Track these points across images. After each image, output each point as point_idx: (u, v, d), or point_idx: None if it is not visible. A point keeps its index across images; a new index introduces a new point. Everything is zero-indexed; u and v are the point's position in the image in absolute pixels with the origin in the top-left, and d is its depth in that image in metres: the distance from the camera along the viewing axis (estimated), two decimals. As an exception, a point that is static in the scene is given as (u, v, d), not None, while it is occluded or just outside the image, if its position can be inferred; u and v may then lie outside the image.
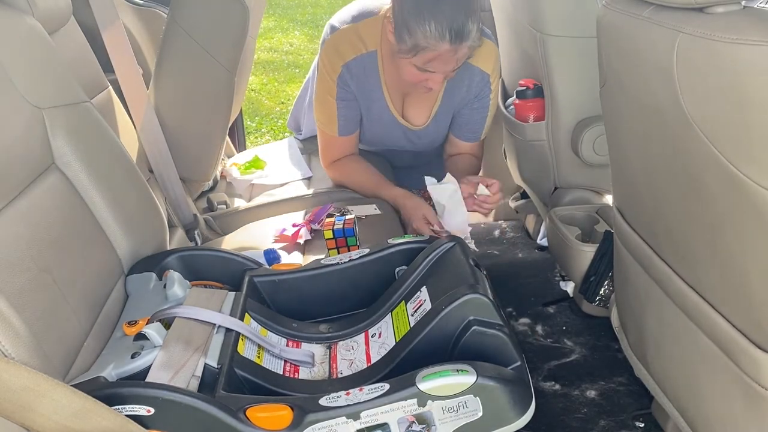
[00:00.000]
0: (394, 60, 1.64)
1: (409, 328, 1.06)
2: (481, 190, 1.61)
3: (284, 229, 1.61)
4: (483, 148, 1.93)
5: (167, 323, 1.02)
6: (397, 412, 0.89)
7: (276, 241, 1.59)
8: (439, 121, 1.83)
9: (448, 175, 1.59)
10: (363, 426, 0.89)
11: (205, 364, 0.96)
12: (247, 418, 0.87)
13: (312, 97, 2.15)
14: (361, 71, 1.72)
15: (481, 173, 2.27)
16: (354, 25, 1.71)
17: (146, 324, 1.01)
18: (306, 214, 1.68)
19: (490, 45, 1.74)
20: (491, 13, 2.05)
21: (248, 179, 2.18)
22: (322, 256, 1.34)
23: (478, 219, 2.54)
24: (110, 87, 1.83)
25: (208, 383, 0.94)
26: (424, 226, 1.59)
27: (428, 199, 2.10)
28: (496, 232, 2.35)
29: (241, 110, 2.70)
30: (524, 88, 1.79)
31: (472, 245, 1.62)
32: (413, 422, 0.90)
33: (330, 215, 1.59)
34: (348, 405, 0.89)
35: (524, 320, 1.85)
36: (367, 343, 1.12)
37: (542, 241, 2.17)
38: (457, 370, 0.91)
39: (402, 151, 1.95)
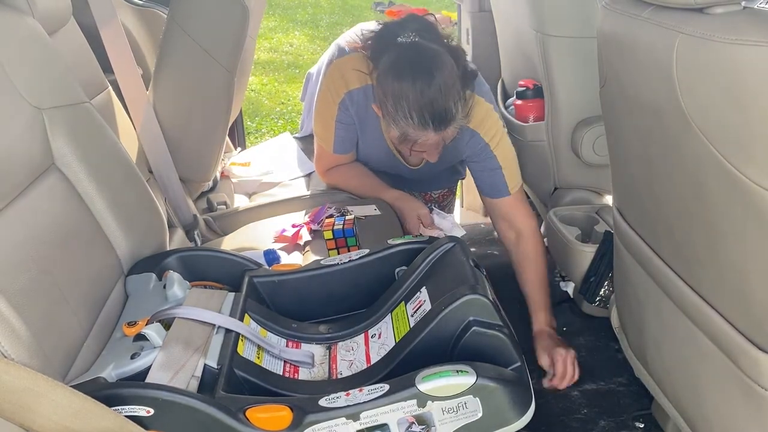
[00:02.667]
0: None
1: (408, 329, 1.06)
2: None
3: (284, 230, 1.61)
4: (526, 203, 1.75)
5: (167, 324, 1.02)
6: (397, 412, 0.89)
7: (276, 242, 1.60)
8: (433, 164, 1.74)
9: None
10: (363, 427, 0.89)
11: (205, 364, 0.96)
12: (247, 419, 0.87)
13: (313, 95, 2.16)
14: (363, 101, 1.68)
15: None
16: (362, 55, 1.65)
17: (146, 324, 1.01)
18: (306, 214, 1.68)
19: (487, 108, 1.64)
20: (491, 13, 2.05)
21: (257, 179, 2.18)
22: (322, 257, 1.34)
23: (477, 219, 2.55)
24: (110, 87, 1.83)
25: (207, 384, 0.94)
26: (417, 226, 1.60)
27: (429, 201, 2.11)
28: (496, 233, 2.35)
29: (241, 110, 2.70)
30: (524, 88, 1.79)
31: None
32: (413, 423, 0.90)
33: (330, 216, 1.59)
34: (348, 406, 0.89)
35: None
36: (366, 344, 1.12)
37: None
38: (457, 371, 0.91)
39: (399, 176, 1.92)
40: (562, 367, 1.52)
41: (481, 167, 1.70)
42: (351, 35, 1.76)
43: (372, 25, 1.73)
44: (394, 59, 1.49)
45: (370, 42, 1.60)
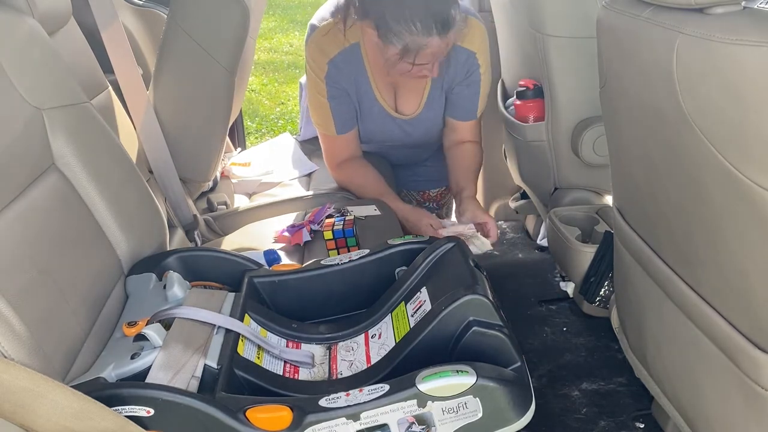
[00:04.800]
0: (383, 61, 1.63)
1: (409, 329, 1.06)
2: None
3: (284, 230, 1.61)
4: (480, 130, 1.89)
5: (167, 324, 1.02)
6: (397, 412, 0.89)
7: (276, 242, 1.60)
8: (431, 107, 1.81)
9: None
10: (363, 427, 0.89)
11: (205, 364, 0.96)
12: (247, 419, 0.87)
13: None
14: (347, 65, 1.71)
15: (481, 172, 2.26)
16: (334, 20, 1.68)
17: (146, 325, 1.01)
18: (306, 214, 1.68)
19: (475, 24, 1.72)
20: (491, 13, 2.05)
21: (257, 179, 2.18)
22: (322, 257, 1.34)
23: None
24: (110, 87, 1.83)
25: (207, 384, 0.94)
26: (433, 233, 1.62)
27: (428, 200, 2.11)
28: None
29: (241, 110, 2.70)
30: (524, 88, 1.79)
31: (484, 243, 1.63)
32: (413, 423, 0.90)
33: (330, 216, 1.59)
34: (348, 406, 0.89)
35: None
36: (366, 344, 1.12)
37: (542, 241, 2.17)
38: (457, 371, 0.91)
39: (400, 146, 1.93)
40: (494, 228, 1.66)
41: (467, 90, 1.78)
42: (321, 12, 1.77)
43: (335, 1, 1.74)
44: None
45: None
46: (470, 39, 1.71)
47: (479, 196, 2.49)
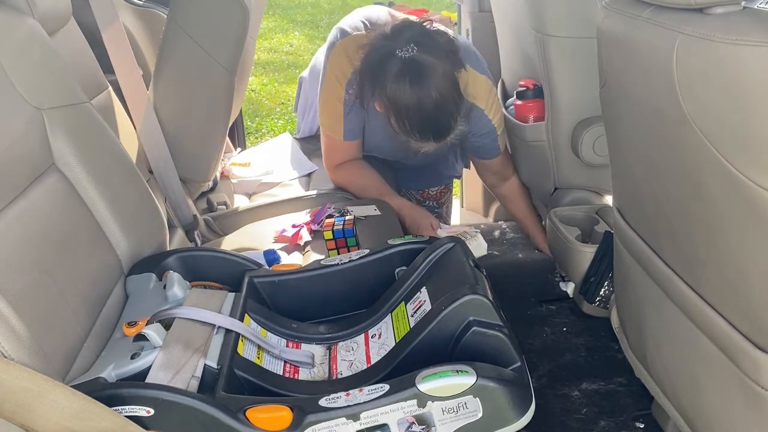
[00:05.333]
0: None
1: (409, 329, 1.06)
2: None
3: (284, 230, 1.61)
4: (509, 157, 1.95)
5: (167, 324, 1.02)
6: (397, 412, 0.89)
7: (276, 242, 1.60)
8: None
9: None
10: (363, 427, 0.89)
11: (205, 364, 0.96)
12: (247, 419, 0.87)
13: (307, 99, 2.15)
14: None
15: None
16: (365, 33, 1.69)
17: (146, 325, 1.01)
18: (306, 214, 1.68)
19: (482, 80, 1.73)
20: (491, 13, 2.05)
21: (256, 179, 2.18)
22: (322, 257, 1.34)
23: (477, 219, 2.55)
24: (110, 87, 1.83)
25: (207, 384, 0.94)
26: (431, 232, 1.64)
27: (427, 199, 2.11)
28: (496, 233, 2.35)
29: (241, 111, 2.70)
30: (524, 88, 1.79)
31: (481, 246, 1.64)
32: (413, 423, 0.90)
33: (330, 216, 1.59)
34: (348, 406, 0.89)
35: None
36: (366, 344, 1.12)
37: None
38: (457, 371, 0.91)
39: (402, 160, 1.93)
40: None
41: (480, 135, 1.80)
42: (352, 19, 1.76)
43: (376, 11, 1.74)
44: (395, 76, 1.53)
45: (366, 53, 1.61)
46: (476, 94, 1.72)
47: (479, 196, 2.50)
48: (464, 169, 2.19)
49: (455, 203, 2.51)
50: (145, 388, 0.89)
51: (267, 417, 0.88)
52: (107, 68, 1.70)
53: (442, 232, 1.67)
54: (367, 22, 1.73)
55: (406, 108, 1.53)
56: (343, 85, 1.71)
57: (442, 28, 1.65)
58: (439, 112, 1.53)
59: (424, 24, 1.61)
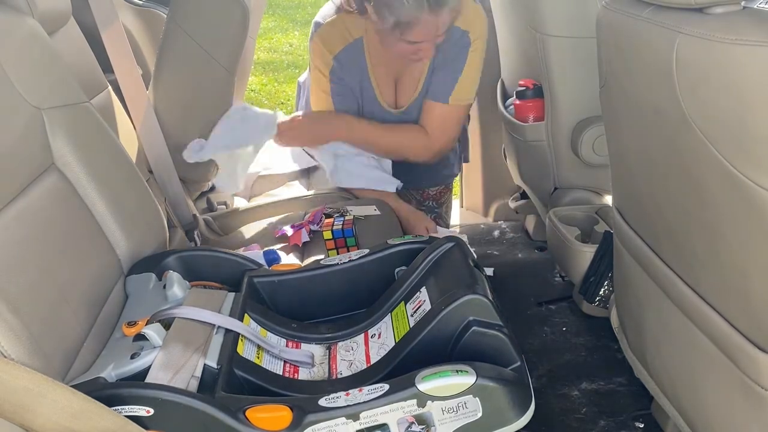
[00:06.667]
0: (381, 42, 1.63)
1: (408, 329, 1.06)
2: None
3: (284, 230, 1.61)
4: (446, 125, 1.77)
5: (167, 324, 1.02)
6: (397, 412, 0.89)
7: (275, 242, 1.59)
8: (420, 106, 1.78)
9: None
10: (363, 426, 0.88)
11: (205, 364, 0.96)
12: (247, 419, 0.87)
13: (308, 100, 2.15)
14: (351, 61, 1.71)
15: (480, 173, 2.27)
16: (339, 16, 1.69)
17: (146, 324, 1.01)
18: (305, 215, 1.68)
19: (474, 7, 1.69)
20: (491, 13, 2.05)
21: (254, 173, 2.15)
22: (322, 257, 1.34)
23: (477, 219, 2.55)
24: (110, 87, 1.83)
25: (207, 384, 0.94)
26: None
27: (427, 198, 2.11)
28: (496, 233, 2.35)
29: (240, 110, 2.69)
30: (524, 88, 1.79)
31: None
32: (413, 423, 0.90)
33: (329, 216, 1.59)
34: (347, 405, 0.89)
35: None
36: (366, 344, 1.12)
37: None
38: (457, 371, 0.91)
39: None
40: None
41: (448, 67, 1.70)
42: (324, 9, 1.77)
43: None
44: None
45: None
46: (466, 19, 1.67)
47: (479, 196, 2.50)
48: (464, 164, 2.20)
49: (455, 203, 2.51)
50: (145, 387, 0.89)
51: (267, 417, 0.88)
52: (107, 68, 1.70)
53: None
54: (339, 6, 1.72)
55: None
56: (327, 76, 1.72)
57: None
58: None
59: None
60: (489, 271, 1.64)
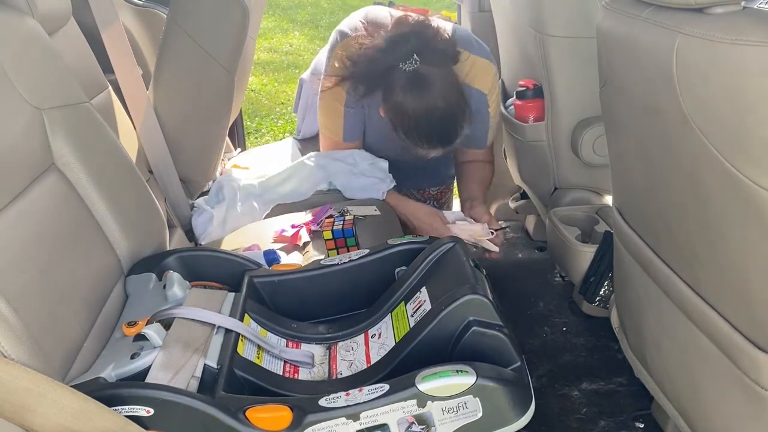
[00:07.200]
0: None
1: (408, 329, 1.06)
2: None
3: (283, 230, 1.61)
4: (493, 151, 1.94)
5: (167, 324, 1.02)
6: (397, 412, 0.89)
7: (275, 242, 1.59)
8: None
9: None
10: (363, 427, 0.89)
11: (205, 364, 0.96)
12: (247, 419, 0.87)
13: (308, 100, 2.15)
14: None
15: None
16: (365, 33, 1.68)
17: (146, 325, 1.01)
18: (305, 215, 1.68)
19: (485, 64, 1.73)
20: (491, 13, 2.05)
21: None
22: (322, 257, 1.34)
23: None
24: (110, 87, 1.83)
25: (207, 384, 0.94)
26: (444, 229, 1.66)
27: (428, 198, 2.11)
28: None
29: (241, 111, 2.70)
30: (524, 88, 1.79)
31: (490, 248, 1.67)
32: (413, 423, 0.90)
33: (329, 216, 1.59)
34: (348, 406, 0.89)
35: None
36: (366, 344, 1.12)
37: None
38: (457, 371, 0.91)
39: (401, 159, 1.93)
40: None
41: (476, 126, 1.75)
42: (352, 20, 1.76)
43: (375, 11, 1.74)
44: (401, 89, 1.53)
45: (366, 63, 1.61)
46: (482, 80, 1.72)
47: (479, 196, 2.50)
48: None
49: (455, 203, 2.51)
50: (145, 388, 0.89)
51: (267, 417, 0.88)
52: (107, 68, 1.70)
53: (458, 230, 1.67)
54: (366, 23, 1.73)
55: (415, 120, 1.54)
56: (344, 88, 1.71)
57: (441, 23, 1.65)
58: (447, 120, 1.55)
59: (424, 21, 1.61)
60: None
